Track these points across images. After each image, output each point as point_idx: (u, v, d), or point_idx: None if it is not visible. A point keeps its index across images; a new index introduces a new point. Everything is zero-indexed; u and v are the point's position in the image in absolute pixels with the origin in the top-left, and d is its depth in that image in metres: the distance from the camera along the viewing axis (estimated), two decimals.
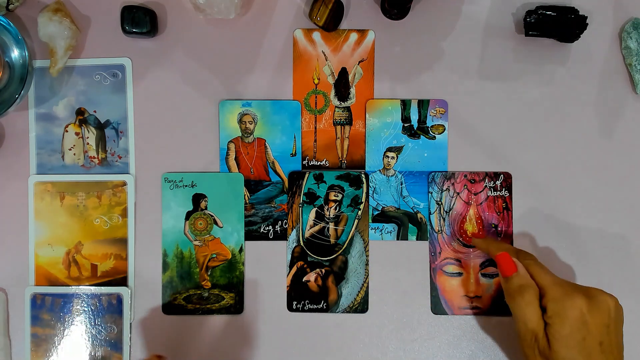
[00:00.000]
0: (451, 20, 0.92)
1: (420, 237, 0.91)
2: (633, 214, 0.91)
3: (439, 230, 0.91)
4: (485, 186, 0.91)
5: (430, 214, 0.91)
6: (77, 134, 0.91)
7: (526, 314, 0.78)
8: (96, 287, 0.90)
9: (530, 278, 0.79)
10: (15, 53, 0.87)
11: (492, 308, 0.90)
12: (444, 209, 0.91)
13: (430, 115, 0.91)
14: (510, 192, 0.91)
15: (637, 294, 0.91)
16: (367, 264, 0.90)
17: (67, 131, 0.91)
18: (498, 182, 0.91)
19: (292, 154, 0.91)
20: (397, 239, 0.91)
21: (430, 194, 0.91)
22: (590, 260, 0.91)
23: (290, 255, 0.90)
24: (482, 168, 0.91)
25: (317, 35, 0.91)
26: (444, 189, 0.91)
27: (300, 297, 0.90)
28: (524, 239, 0.91)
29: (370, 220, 0.90)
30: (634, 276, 0.91)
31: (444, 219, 0.91)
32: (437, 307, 0.90)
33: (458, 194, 0.91)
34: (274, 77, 0.92)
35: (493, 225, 0.91)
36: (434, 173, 0.91)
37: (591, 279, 0.91)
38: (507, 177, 0.91)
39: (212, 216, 0.90)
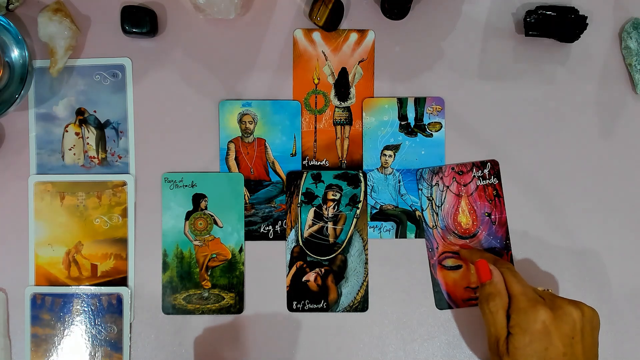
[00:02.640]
0: (451, 20, 0.92)
1: (419, 234, 0.91)
2: (632, 212, 0.91)
3: (433, 226, 0.91)
4: (474, 176, 0.91)
5: (422, 210, 0.91)
6: (77, 134, 0.91)
7: (490, 320, 0.80)
8: (96, 287, 0.90)
9: (503, 287, 0.81)
10: (15, 53, 0.88)
11: None
12: (435, 204, 0.91)
13: (427, 112, 0.91)
14: (499, 179, 0.91)
15: (631, 288, 0.91)
16: (366, 263, 0.90)
17: (67, 131, 0.91)
18: (486, 171, 0.91)
19: (292, 154, 0.91)
20: (396, 237, 0.91)
21: (420, 191, 0.91)
22: (588, 255, 0.91)
23: (289, 255, 0.90)
24: None
25: (317, 35, 0.92)
26: (433, 184, 0.91)
27: (300, 296, 0.90)
28: (518, 227, 0.91)
29: (368, 219, 0.90)
30: (631, 271, 0.91)
31: (437, 214, 0.91)
32: (441, 302, 0.90)
33: (447, 187, 0.91)
34: (274, 77, 0.92)
35: (486, 214, 0.91)
36: (422, 170, 0.91)
37: (587, 273, 0.91)
38: (494, 165, 0.91)
39: (212, 216, 0.90)
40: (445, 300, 0.91)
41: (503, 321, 0.79)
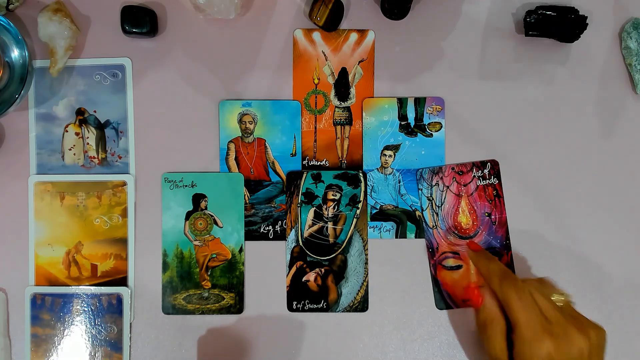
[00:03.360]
0: (451, 20, 0.92)
1: (419, 234, 0.91)
2: (633, 213, 0.91)
3: (433, 226, 0.91)
4: (474, 176, 0.91)
5: (422, 210, 0.91)
6: (77, 134, 0.91)
7: (489, 346, 0.79)
8: (96, 287, 0.90)
9: (496, 310, 0.80)
10: (15, 53, 0.88)
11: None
12: (435, 204, 0.91)
13: (427, 112, 0.91)
14: (499, 179, 0.91)
15: (631, 288, 0.91)
16: (366, 263, 0.90)
17: (67, 131, 0.91)
18: (486, 171, 0.91)
19: (292, 154, 0.91)
20: (396, 237, 0.91)
21: (420, 191, 0.91)
22: (589, 258, 0.91)
23: (289, 255, 0.90)
24: None
25: (317, 35, 0.92)
26: (433, 184, 0.91)
27: (300, 296, 0.90)
28: (518, 227, 0.91)
29: (368, 219, 0.90)
30: (632, 273, 0.91)
31: (437, 214, 0.91)
32: (441, 303, 0.90)
33: (448, 187, 0.91)
34: (274, 77, 0.92)
35: (486, 214, 0.91)
36: (422, 169, 0.91)
37: (587, 273, 0.91)
38: (494, 165, 0.91)
39: (212, 216, 0.90)
40: (444, 300, 0.90)
41: (502, 346, 0.78)
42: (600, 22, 0.92)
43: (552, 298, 0.80)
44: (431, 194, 0.91)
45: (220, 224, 0.90)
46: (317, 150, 0.91)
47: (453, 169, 0.91)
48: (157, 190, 0.91)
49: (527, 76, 0.92)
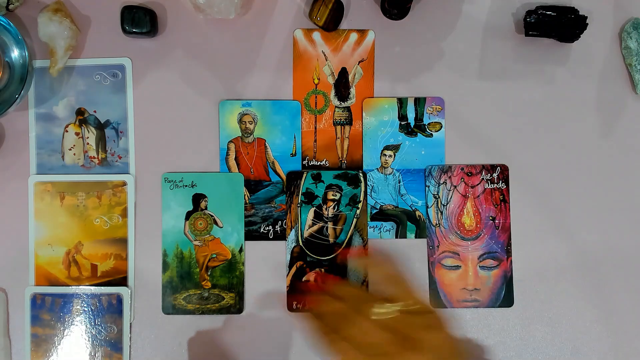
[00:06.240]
0: (451, 20, 0.92)
1: (419, 234, 0.91)
2: (632, 212, 0.91)
3: (436, 224, 0.91)
4: (482, 179, 0.91)
5: (427, 207, 0.91)
6: (77, 134, 0.91)
7: None
8: (96, 287, 0.90)
9: None
10: (15, 53, 0.88)
11: (491, 300, 0.90)
12: (441, 202, 0.91)
13: (427, 112, 0.91)
14: (507, 184, 0.91)
15: (636, 293, 0.91)
16: None
17: (67, 131, 0.91)
18: (495, 175, 0.91)
19: (292, 154, 0.91)
20: (396, 237, 0.91)
21: (427, 188, 0.91)
22: (588, 258, 0.91)
23: (289, 255, 0.90)
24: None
25: (317, 35, 0.91)
26: (441, 182, 0.91)
27: (300, 296, 0.90)
28: (521, 232, 0.91)
29: (368, 219, 0.90)
30: (633, 274, 0.91)
31: (441, 213, 0.91)
32: (436, 301, 0.90)
33: (455, 187, 0.91)
34: (274, 77, 0.92)
35: (491, 218, 0.91)
36: (431, 167, 0.91)
37: (589, 277, 0.91)
38: (504, 170, 0.91)
39: (212, 216, 0.90)
40: (440, 299, 0.90)
41: None
42: (600, 22, 0.92)
43: (377, 313, 0.74)
44: (438, 192, 0.91)
45: (220, 224, 0.90)
46: (317, 150, 0.91)
47: (462, 169, 0.91)
48: (157, 190, 0.91)
49: (527, 76, 0.92)
